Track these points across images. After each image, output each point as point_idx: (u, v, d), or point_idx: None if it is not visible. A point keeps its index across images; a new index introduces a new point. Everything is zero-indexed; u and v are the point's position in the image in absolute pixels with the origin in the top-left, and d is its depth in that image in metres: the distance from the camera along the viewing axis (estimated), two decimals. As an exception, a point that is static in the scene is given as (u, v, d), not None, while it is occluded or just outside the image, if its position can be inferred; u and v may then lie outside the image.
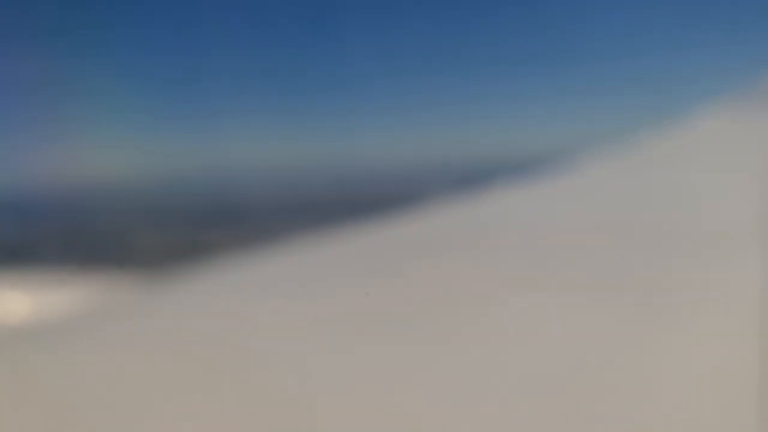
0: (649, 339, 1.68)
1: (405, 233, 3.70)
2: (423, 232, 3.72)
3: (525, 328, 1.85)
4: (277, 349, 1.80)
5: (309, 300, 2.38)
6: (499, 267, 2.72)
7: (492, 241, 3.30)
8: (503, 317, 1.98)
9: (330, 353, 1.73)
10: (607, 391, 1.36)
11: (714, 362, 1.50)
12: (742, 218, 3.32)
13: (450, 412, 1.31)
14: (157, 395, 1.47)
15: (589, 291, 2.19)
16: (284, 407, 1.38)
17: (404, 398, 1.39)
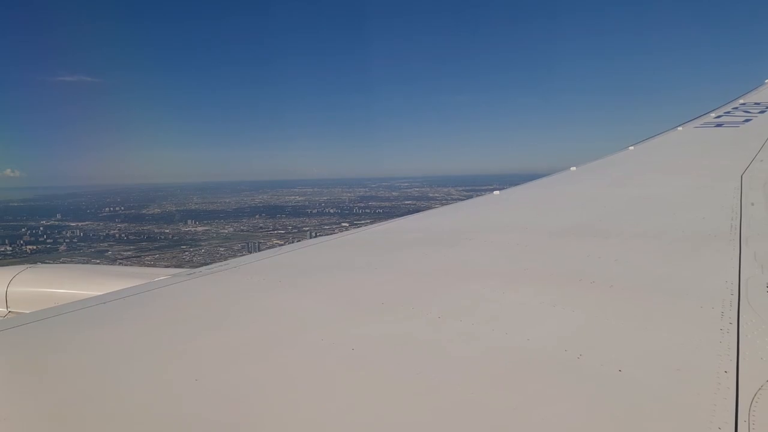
0: (631, 329, 1.69)
1: (413, 230, 3.87)
2: (427, 229, 3.87)
3: (516, 316, 1.84)
4: (294, 327, 1.85)
5: (321, 284, 2.46)
6: (496, 261, 2.70)
7: (489, 238, 3.35)
8: (498, 304, 1.97)
9: (337, 330, 1.79)
10: (586, 374, 1.37)
11: (690, 353, 1.49)
12: (721, 220, 3.35)
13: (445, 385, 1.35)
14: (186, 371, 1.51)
15: (577, 284, 2.16)
16: (304, 377, 1.44)
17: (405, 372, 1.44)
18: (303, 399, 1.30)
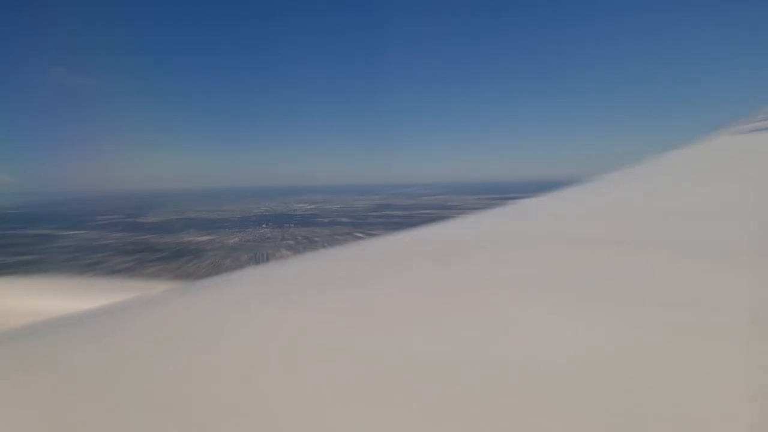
0: (658, 347, 1.67)
1: (425, 240, 3.80)
2: (442, 240, 3.80)
3: (527, 330, 1.84)
4: (294, 345, 1.81)
5: (331, 295, 2.42)
6: (510, 273, 2.66)
7: (505, 249, 3.32)
8: (517, 320, 1.95)
9: (346, 344, 1.76)
10: (612, 394, 1.36)
11: (721, 373, 1.46)
12: (760, 232, 3.31)
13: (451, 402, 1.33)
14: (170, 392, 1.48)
15: (601, 300, 2.15)
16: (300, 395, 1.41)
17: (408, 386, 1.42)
18: (306, 414, 1.33)
